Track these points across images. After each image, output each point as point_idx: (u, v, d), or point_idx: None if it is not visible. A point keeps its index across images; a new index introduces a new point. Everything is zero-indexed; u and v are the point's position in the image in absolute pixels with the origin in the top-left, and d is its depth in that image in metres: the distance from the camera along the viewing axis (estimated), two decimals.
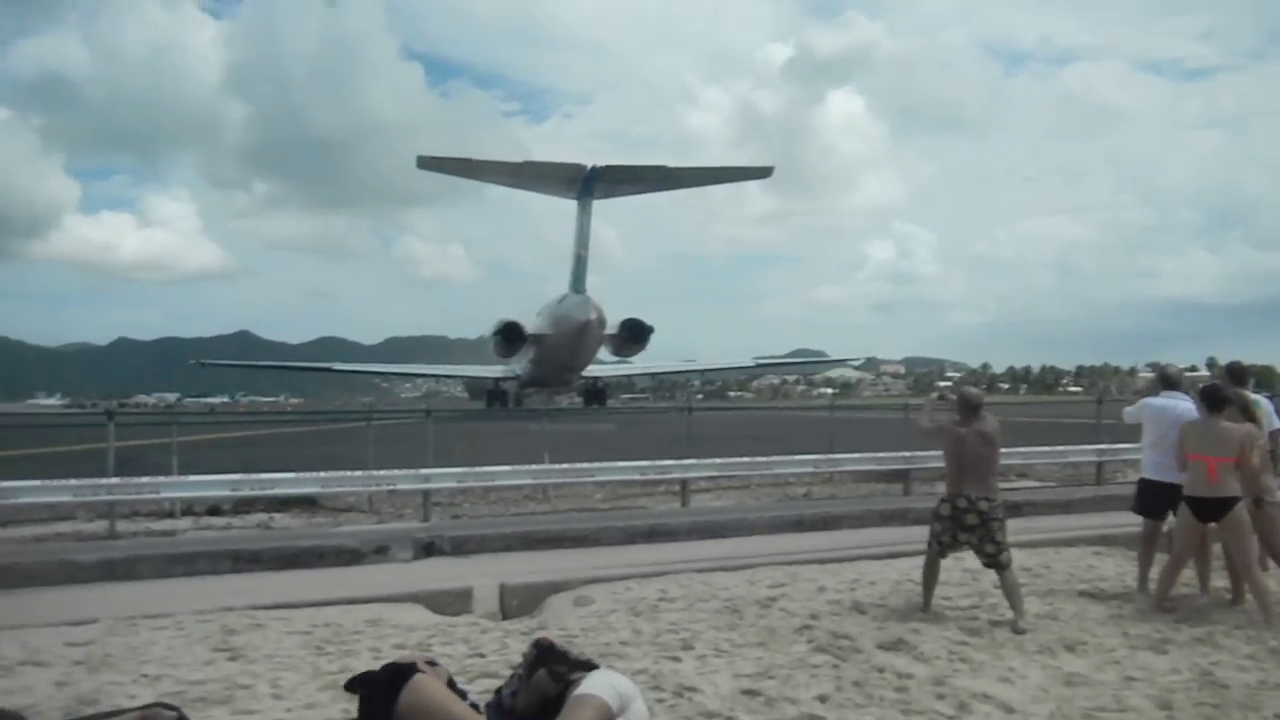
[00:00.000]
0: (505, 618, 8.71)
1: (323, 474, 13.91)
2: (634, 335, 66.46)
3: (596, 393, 75.47)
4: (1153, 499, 8.54)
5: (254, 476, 13.67)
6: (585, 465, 15.34)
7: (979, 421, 7.80)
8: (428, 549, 11.53)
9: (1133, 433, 10.80)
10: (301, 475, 13.87)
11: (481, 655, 6.80)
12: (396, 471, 14.13)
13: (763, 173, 74.68)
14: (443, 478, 14.27)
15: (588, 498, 16.09)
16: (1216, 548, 8.39)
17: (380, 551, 11.30)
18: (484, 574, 9.88)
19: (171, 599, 8.70)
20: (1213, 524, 7.78)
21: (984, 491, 7.68)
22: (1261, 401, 9.02)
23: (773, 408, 73.61)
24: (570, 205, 67.57)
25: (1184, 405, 8.39)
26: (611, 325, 63.77)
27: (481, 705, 4.65)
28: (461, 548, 11.66)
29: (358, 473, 14.04)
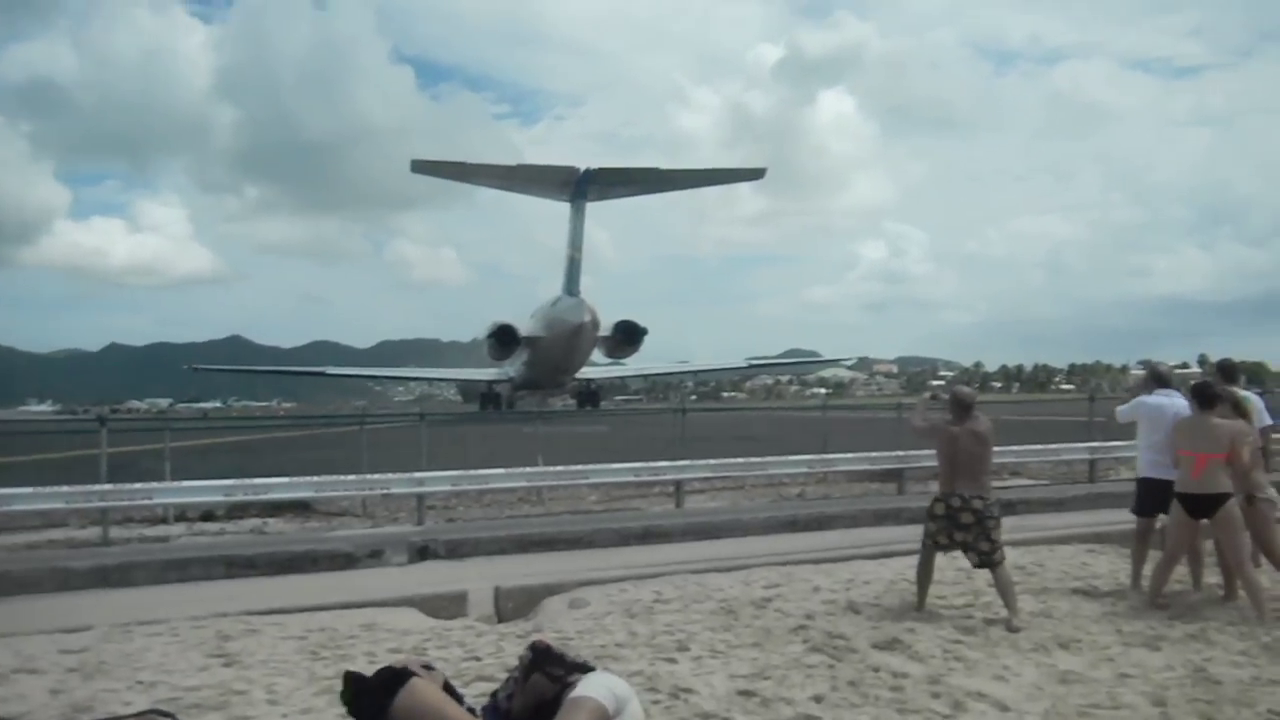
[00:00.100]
0: (500, 621, 8.72)
1: (316, 478, 13.90)
2: (627, 337, 66.46)
3: (590, 395, 75.44)
4: (1151, 498, 8.53)
5: (247, 481, 13.64)
6: (579, 467, 15.33)
7: (971, 420, 7.83)
8: (422, 553, 11.53)
9: (1125, 430, 10.85)
10: (295, 480, 13.86)
11: (477, 658, 6.80)
12: (390, 475, 14.11)
13: (755, 174, 74.81)
14: (436, 481, 14.25)
15: (582, 500, 16.09)
16: (1209, 544, 8.43)
17: (374, 556, 11.30)
18: (479, 577, 9.89)
19: (166, 605, 8.69)
20: (1205, 520, 7.81)
21: (977, 490, 7.70)
22: (1252, 398, 9.06)
23: (766, 408, 73.63)
24: (562, 208, 67.62)
25: (1180, 403, 8.41)
26: (605, 327, 63.77)
27: (478, 709, 4.65)
28: (456, 551, 11.65)
29: (351, 477, 14.02)
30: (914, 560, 8.21)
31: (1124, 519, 9.37)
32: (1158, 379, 8.97)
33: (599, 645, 7.00)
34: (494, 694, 4.85)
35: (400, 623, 8.10)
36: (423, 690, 4.32)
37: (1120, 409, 9.22)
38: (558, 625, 7.86)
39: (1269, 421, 9.39)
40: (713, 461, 16.08)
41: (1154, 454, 8.46)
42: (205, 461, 18.51)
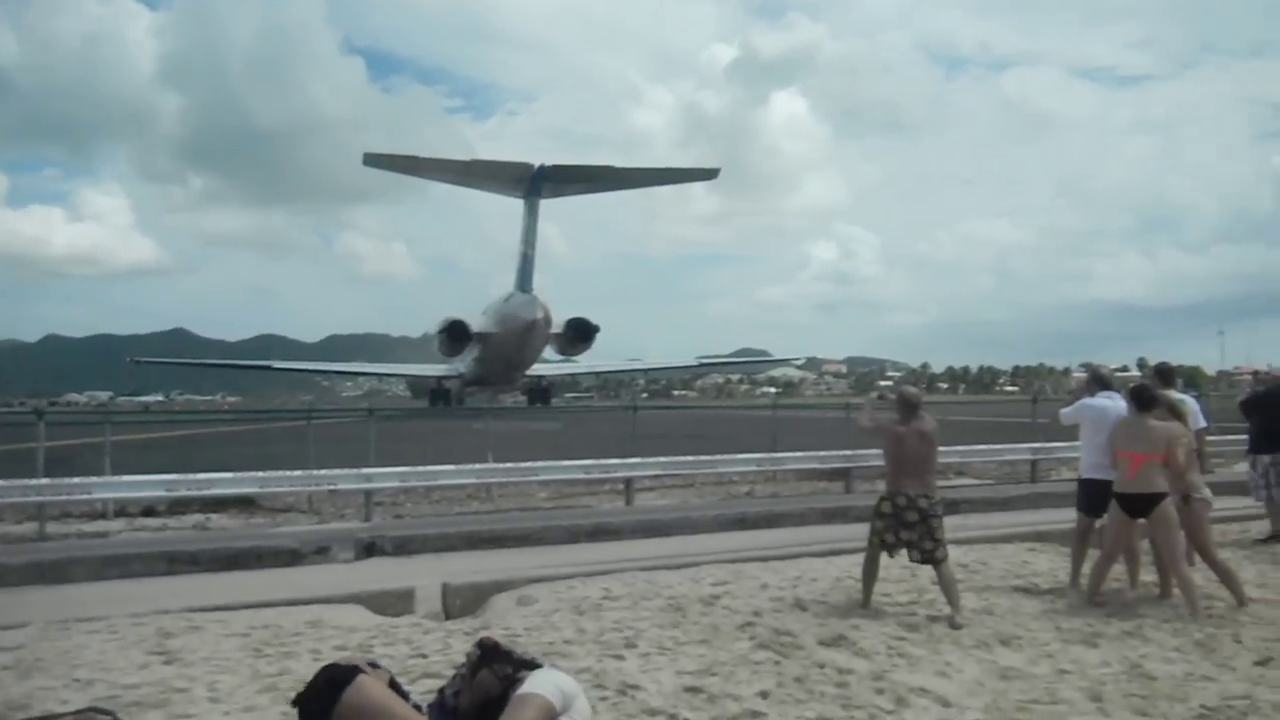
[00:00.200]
0: (448, 618, 8.67)
1: (261, 473, 13.68)
2: (580, 334, 66.46)
3: (541, 391, 75.25)
4: (1093, 498, 8.66)
5: (190, 476, 13.43)
6: (529, 464, 15.31)
7: (918, 420, 7.94)
8: (369, 549, 11.42)
9: (1066, 432, 11.06)
10: (239, 475, 13.64)
11: (424, 656, 6.75)
12: (337, 471, 13.97)
13: (709, 175, 75.24)
14: (385, 477, 14.14)
15: (531, 497, 16.05)
16: (1145, 544, 8.63)
17: (321, 552, 11.17)
18: (427, 574, 9.81)
19: (105, 602, 8.51)
20: (1142, 520, 8.00)
21: (923, 489, 7.82)
22: (1188, 401, 9.30)
23: (716, 407, 74.08)
24: (516, 204, 67.43)
25: (1121, 405, 8.55)
26: (557, 324, 63.70)
27: (424, 706, 4.62)
28: (404, 548, 11.56)
29: (297, 472, 13.83)
30: (861, 558, 8.31)
31: (1064, 518, 9.57)
32: (1100, 382, 9.14)
33: (547, 642, 6.99)
34: (441, 691, 4.82)
35: (346, 620, 8.02)
36: (369, 687, 4.28)
37: (1064, 411, 9.37)
38: (506, 622, 7.83)
39: (1204, 424, 9.65)
40: (663, 459, 16.15)
41: (1096, 455, 8.58)
42: (146, 456, 18.14)
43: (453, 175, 67.54)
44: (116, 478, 13.28)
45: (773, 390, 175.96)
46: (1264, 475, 11.34)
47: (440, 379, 74.62)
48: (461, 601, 9.05)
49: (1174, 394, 8.97)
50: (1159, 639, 7.00)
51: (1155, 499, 7.80)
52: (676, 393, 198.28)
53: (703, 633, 7.21)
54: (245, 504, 14.60)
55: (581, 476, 15.69)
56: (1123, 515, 8.02)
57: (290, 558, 10.97)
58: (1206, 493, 8.42)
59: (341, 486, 14.03)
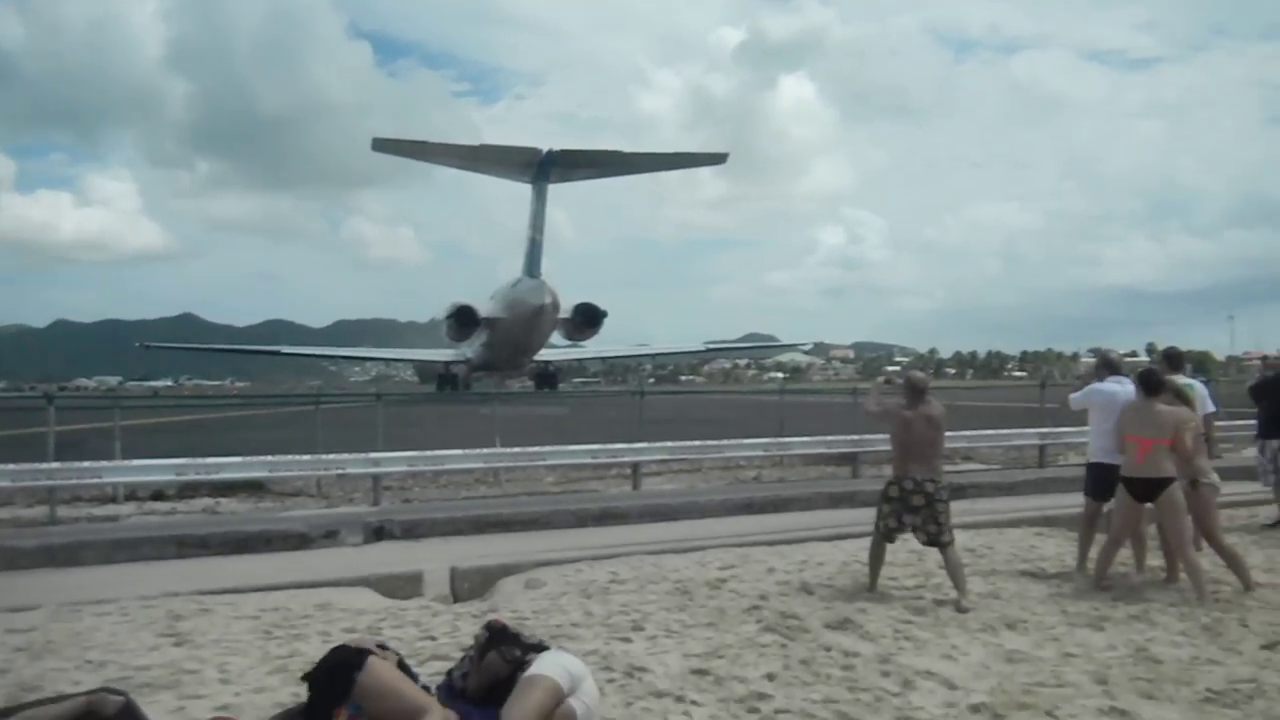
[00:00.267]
0: (456, 601, 8.70)
1: (270, 458, 13.74)
2: (587, 319, 66.41)
3: (548, 377, 75.29)
4: (1102, 482, 8.63)
5: (199, 461, 13.49)
6: (536, 449, 15.34)
7: (924, 405, 7.93)
8: (378, 533, 11.48)
9: (1074, 417, 11.05)
10: (249, 459, 13.71)
11: (432, 638, 6.79)
12: (346, 456, 14.02)
13: (718, 159, 74.88)
14: (393, 462, 14.19)
15: (539, 481, 16.09)
16: (1152, 528, 8.62)
17: (329, 536, 11.23)
18: (435, 558, 9.85)
19: (115, 585, 8.56)
20: (1149, 504, 7.99)
21: (929, 474, 7.82)
22: (1196, 385, 9.27)
23: (723, 392, 73.94)
24: (523, 188, 67.28)
25: (1131, 390, 8.51)
26: (564, 310, 63.66)
27: (433, 687, 4.65)
28: (412, 532, 11.62)
29: (306, 457, 13.90)
30: (867, 542, 8.32)
31: (1072, 503, 9.55)
32: (1109, 366, 9.11)
33: (555, 625, 7.02)
34: (449, 673, 4.86)
35: (355, 603, 8.06)
36: (379, 668, 4.32)
37: (1073, 396, 9.33)
38: (514, 605, 7.87)
39: (1212, 409, 9.62)
40: (670, 444, 16.17)
41: (1105, 440, 8.54)
42: (156, 441, 18.22)
43: (461, 160, 67.43)
44: (126, 462, 13.36)
45: (780, 375, 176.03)
46: (1272, 460, 11.32)
47: (448, 364, 74.69)
48: (469, 585, 9.09)
49: (1181, 379, 8.95)
50: (1165, 623, 7.01)
51: (1163, 484, 7.79)
52: (684, 378, 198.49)
53: (709, 616, 7.24)
54: (254, 488, 14.67)
55: (589, 461, 15.72)
56: (1130, 500, 8.01)
57: (299, 541, 11.03)
58: (1214, 477, 8.40)
59: (350, 471, 14.09)
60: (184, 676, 5.83)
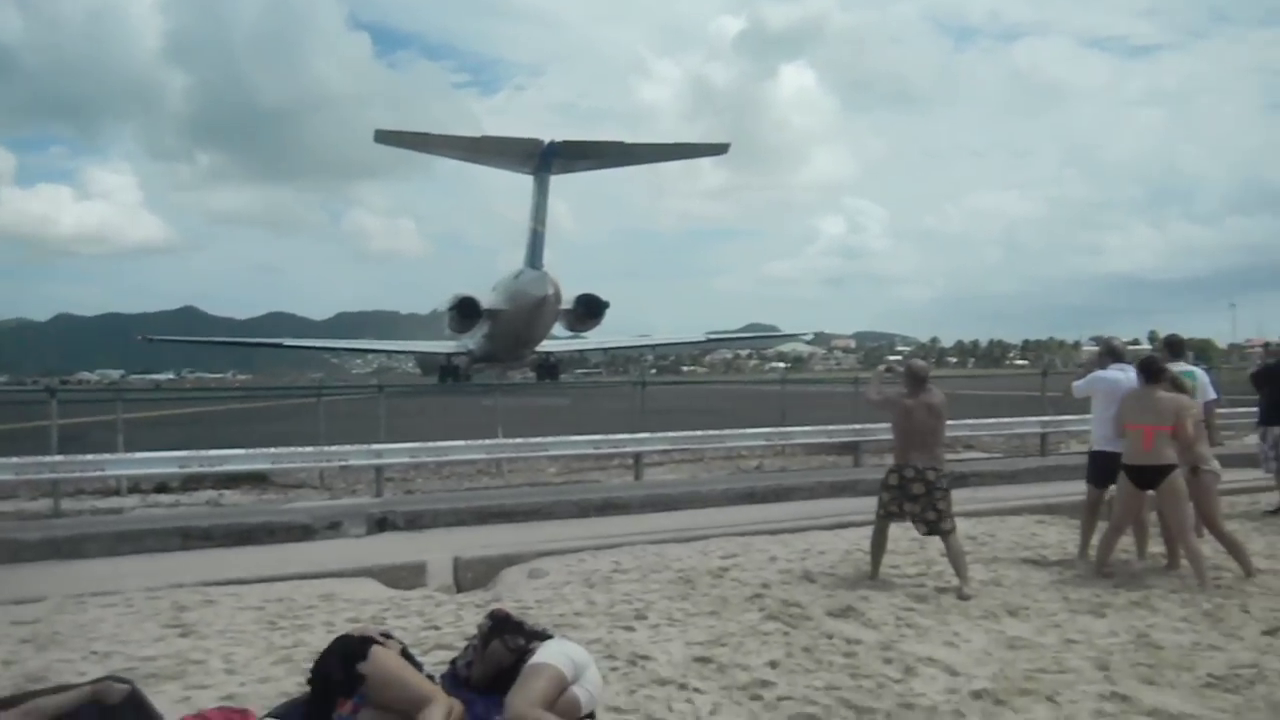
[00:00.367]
0: (460, 591, 8.74)
1: (273, 450, 13.77)
2: (589, 310, 66.34)
3: (550, 368, 75.25)
4: (1105, 470, 8.63)
5: (203, 453, 13.49)
6: (538, 440, 15.34)
7: (926, 393, 7.95)
8: (381, 524, 11.50)
9: (1076, 405, 11.06)
10: (252, 451, 13.73)
11: (436, 627, 6.82)
12: (348, 447, 14.04)
13: (719, 149, 74.70)
14: (395, 453, 14.20)
15: (541, 472, 16.12)
16: (1153, 515, 8.64)
17: (333, 527, 11.25)
18: (438, 548, 9.88)
19: (120, 576, 8.60)
20: (1150, 491, 8.01)
21: (930, 462, 7.84)
22: (1197, 373, 9.29)
23: (725, 381, 73.90)
24: (524, 180, 67.11)
25: (1134, 377, 8.50)
26: (566, 301, 63.61)
27: (437, 676, 4.68)
28: (415, 522, 11.64)
29: (309, 449, 13.91)
30: (869, 531, 8.35)
31: (1074, 491, 9.57)
32: (1112, 354, 9.11)
33: (558, 614, 7.05)
34: (453, 661, 4.89)
35: (359, 593, 8.09)
36: (385, 658, 4.34)
37: (1076, 383, 9.32)
38: (517, 595, 7.90)
39: (1213, 396, 9.62)
40: (672, 434, 16.18)
41: (1108, 428, 8.52)
42: (159, 433, 18.26)
43: (463, 152, 67.32)
44: (130, 455, 13.35)
45: (781, 365, 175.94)
46: (1273, 447, 11.34)
47: (449, 355, 74.61)
48: (473, 575, 9.12)
49: (1182, 365, 8.96)
50: (1167, 609, 7.03)
51: (1164, 471, 7.80)
52: (685, 368, 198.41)
53: (712, 604, 7.26)
54: (257, 480, 14.68)
55: (591, 452, 15.72)
56: (1131, 487, 8.03)
57: (303, 533, 11.05)
58: (1215, 464, 8.41)
59: (353, 462, 14.12)
60: (189, 667, 5.86)
